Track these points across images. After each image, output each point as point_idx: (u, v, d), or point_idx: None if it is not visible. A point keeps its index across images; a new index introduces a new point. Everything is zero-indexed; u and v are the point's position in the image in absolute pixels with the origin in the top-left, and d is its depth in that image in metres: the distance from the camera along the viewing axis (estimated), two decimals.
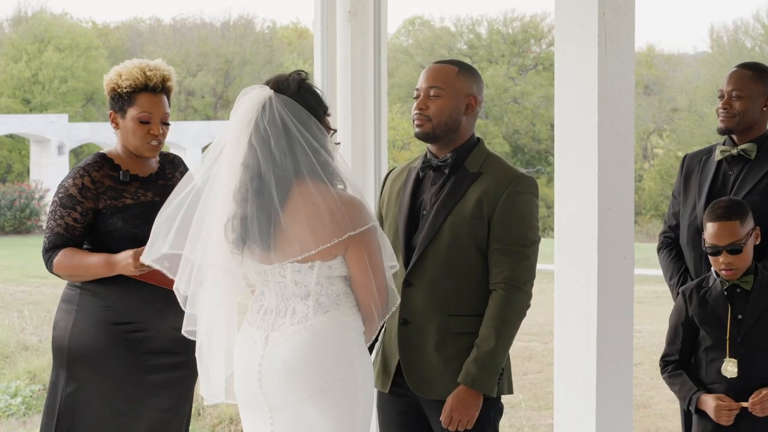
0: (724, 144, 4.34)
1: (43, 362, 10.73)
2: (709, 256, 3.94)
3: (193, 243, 3.23)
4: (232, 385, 3.34)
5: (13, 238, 25.77)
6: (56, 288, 15.58)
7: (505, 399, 3.69)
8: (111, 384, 3.85)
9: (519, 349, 11.42)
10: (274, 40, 43.62)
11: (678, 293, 4.18)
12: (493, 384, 3.51)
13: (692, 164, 4.42)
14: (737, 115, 4.24)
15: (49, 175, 31.01)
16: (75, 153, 35.46)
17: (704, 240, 3.98)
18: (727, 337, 3.76)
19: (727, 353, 3.76)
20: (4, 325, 12.37)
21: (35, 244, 23.53)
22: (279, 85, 3.22)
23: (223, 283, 3.27)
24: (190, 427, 4.18)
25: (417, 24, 43.27)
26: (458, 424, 3.49)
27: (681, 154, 34.73)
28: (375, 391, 3.53)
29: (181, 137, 32.85)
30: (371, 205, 5.04)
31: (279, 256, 3.16)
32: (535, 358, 11.33)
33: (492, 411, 3.58)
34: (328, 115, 3.29)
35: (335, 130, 3.30)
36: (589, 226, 3.95)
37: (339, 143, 3.34)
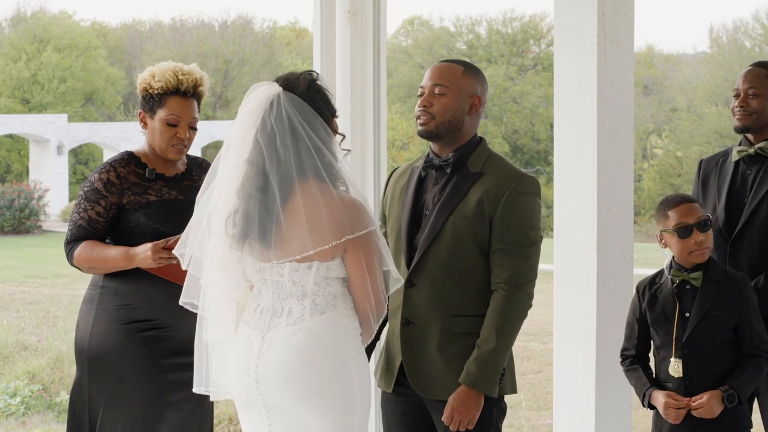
0: (740, 144, 4.33)
1: (42, 362, 10.73)
2: (677, 244, 3.75)
3: (193, 238, 3.25)
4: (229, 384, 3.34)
5: (12, 238, 25.77)
6: (55, 288, 15.59)
7: (504, 399, 3.69)
8: (130, 383, 3.87)
9: (518, 349, 11.41)
10: (273, 40, 43.63)
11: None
12: (493, 384, 3.50)
13: (709, 167, 4.40)
14: (754, 113, 4.23)
15: (48, 175, 31.02)
16: (74, 153, 35.47)
17: (664, 231, 3.81)
18: (674, 336, 3.73)
19: (673, 353, 3.73)
20: (3, 326, 12.38)
21: (34, 244, 23.55)
22: (289, 83, 3.22)
23: (222, 278, 3.27)
24: None
25: (416, 24, 43.28)
26: (459, 424, 3.49)
27: (680, 154, 34.76)
28: (373, 392, 3.53)
29: None
30: (372, 206, 5.05)
31: (278, 255, 3.16)
32: (535, 358, 11.34)
33: (494, 411, 3.57)
34: (336, 117, 3.29)
35: (344, 136, 3.30)
36: (589, 226, 3.95)
37: (349, 150, 3.34)
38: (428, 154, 3.69)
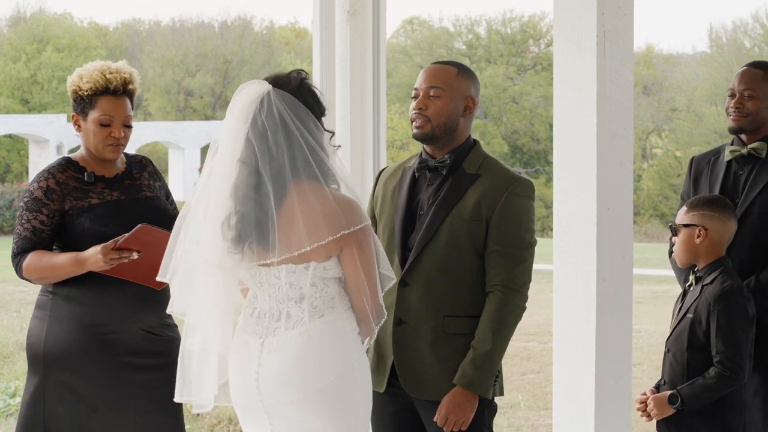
0: (732, 144, 4.33)
1: None
2: None
3: (176, 242, 3.21)
4: (229, 390, 3.30)
5: (12, 238, 25.76)
6: None
7: (504, 399, 3.70)
8: (91, 387, 3.81)
9: (518, 349, 11.41)
10: (273, 41, 43.63)
11: None
12: (489, 386, 3.51)
13: (701, 166, 4.41)
14: (750, 115, 4.23)
15: None
16: (74, 153, 35.48)
17: None
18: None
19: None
20: (3, 325, 12.37)
21: None
22: (279, 80, 3.20)
23: (218, 283, 3.23)
24: (189, 428, 4.15)
25: (416, 24, 43.28)
26: (453, 425, 3.49)
27: (680, 154, 34.76)
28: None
29: (180, 137, 32.82)
30: (367, 205, 5.05)
31: (278, 255, 3.15)
32: (534, 358, 11.33)
33: (487, 411, 3.59)
34: (324, 116, 3.28)
35: (333, 133, 3.29)
36: (588, 226, 3.94)
37: (339, 146, 3.33)
38: (421, 155, 3.69)
